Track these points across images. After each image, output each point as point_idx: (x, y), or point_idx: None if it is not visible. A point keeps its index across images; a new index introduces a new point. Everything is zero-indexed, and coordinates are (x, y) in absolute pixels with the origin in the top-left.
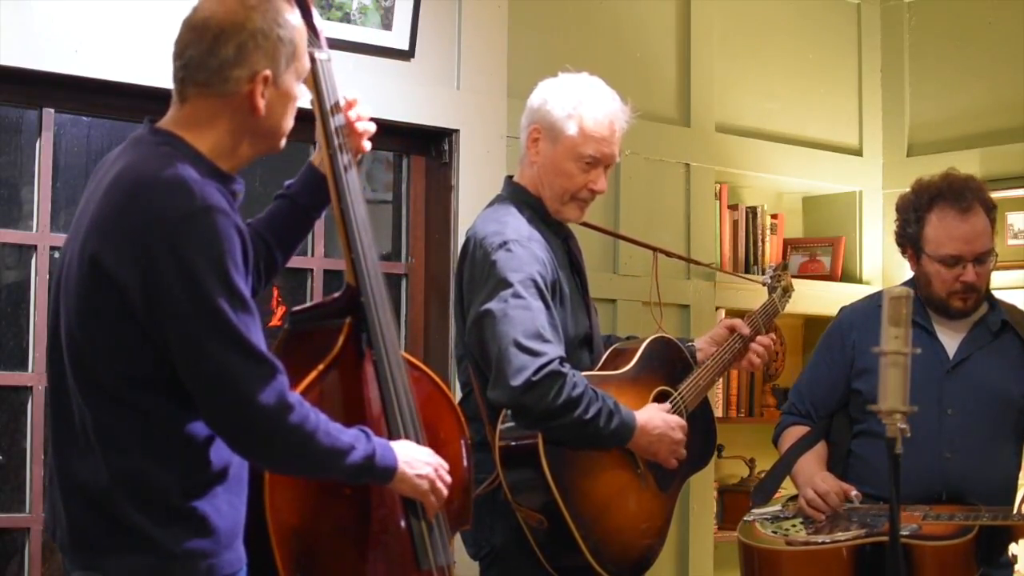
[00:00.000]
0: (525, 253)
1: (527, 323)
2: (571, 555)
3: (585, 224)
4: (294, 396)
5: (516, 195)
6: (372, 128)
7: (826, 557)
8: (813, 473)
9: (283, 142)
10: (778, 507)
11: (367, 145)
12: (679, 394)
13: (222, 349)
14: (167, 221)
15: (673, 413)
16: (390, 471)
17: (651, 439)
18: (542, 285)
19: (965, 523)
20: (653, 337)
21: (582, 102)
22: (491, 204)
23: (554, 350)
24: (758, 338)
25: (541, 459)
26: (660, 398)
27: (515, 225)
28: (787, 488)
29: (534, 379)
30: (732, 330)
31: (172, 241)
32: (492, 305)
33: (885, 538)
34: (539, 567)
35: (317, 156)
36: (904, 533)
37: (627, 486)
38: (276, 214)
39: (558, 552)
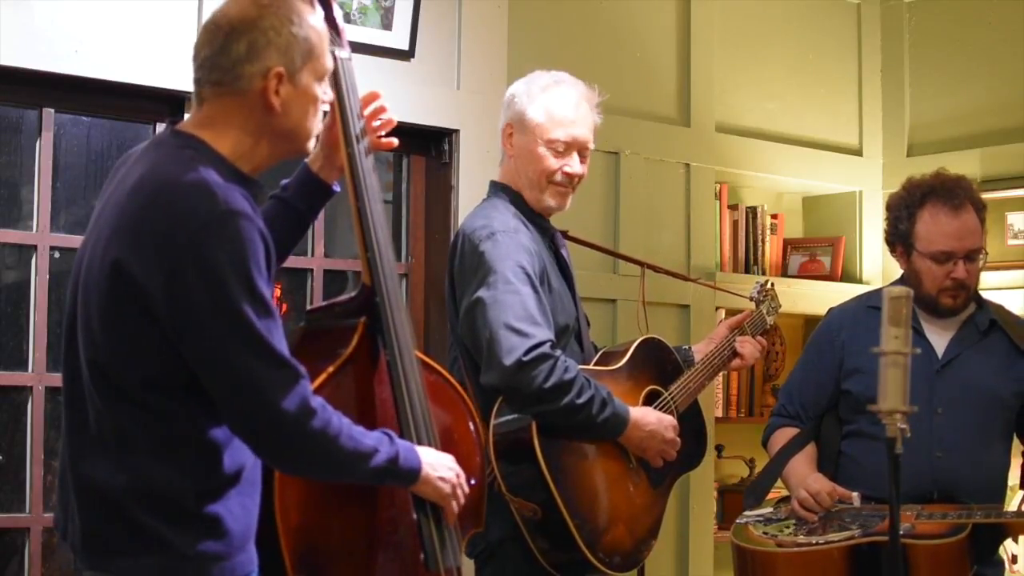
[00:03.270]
0: (512, 242)
1: (517, 307)
2: (565, 546)
3: (573, 239)
4: (317, 400)
5: (500, 193)
6: (393, 122)
7: (820, 558)
8: (805, 474)
9: (311, 144)
10: (770, 509)
11: (394, 141)
12: (669, 394)
13: (245, 354)
14: (191, 225)
15: (664, 413)
16: (415, 473)
17: (643, 435)
18: (530, 272)
19: (958, 521)
20: (643, 338)
21: (546, 89)
22: (479, 204)
23: (544, 333)
24: (747, 337)
25: (535, 449)
26: (650, 398)
27: (501, 218)
28: (780, 490)
29: (525, 359)
30: (731, 328)
31: (196, 245)
32: (482, 293)
33: (879, 538)
34: (534, 563)
35: (316, 158)
36: None
37: (620, 479)
38: (271, 216)
39: (552, 544)
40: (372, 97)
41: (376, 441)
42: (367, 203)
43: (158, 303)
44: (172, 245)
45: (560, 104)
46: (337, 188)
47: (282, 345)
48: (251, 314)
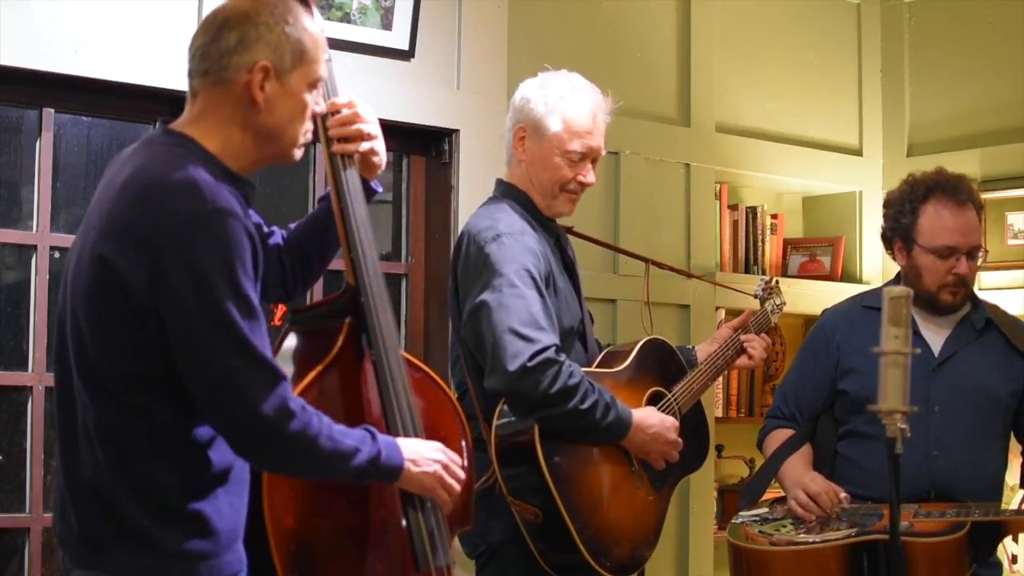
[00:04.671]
0: (518, 245)
1: (522, 311)
2: (566, 550)
3: (578, 235)
4: (296, 402)
5: (507, 193)
6: (370, 130)
7: (817, 557)
8: (801, 475)
9: (297, 152)
10: (765, 509)
11: (371, 147)
12: (673, 395)
13: (227, 354)
14: (177, 222)
15: (667, 414)
16: (396, 470)
17: (646, 438)
18: (536, 275)
19: (957, 520)
20: (647, 338)
21: (563, 97)
22: (484, 204)
23: (549, 338)
24: (753, 336)
25: (537, 452)
26: (654, 399)
27: (507, 220)
28: (774, 491)
29: (529, 364)
30: (734, 329)
31: (181, 242)
32: (487, 296)
33: (876, 536)
34: (535, 565)
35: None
36: None
37: (622, 483)
38: (314, 216)
39: (553, 547)
40: (347, 106)
41: (358, 440)
42: (349, 203)
43: (142, 300)
44: (158, 242)
45: (578, 114)
46: (379, 187)
47: (264, 346)
48: (235, 313)
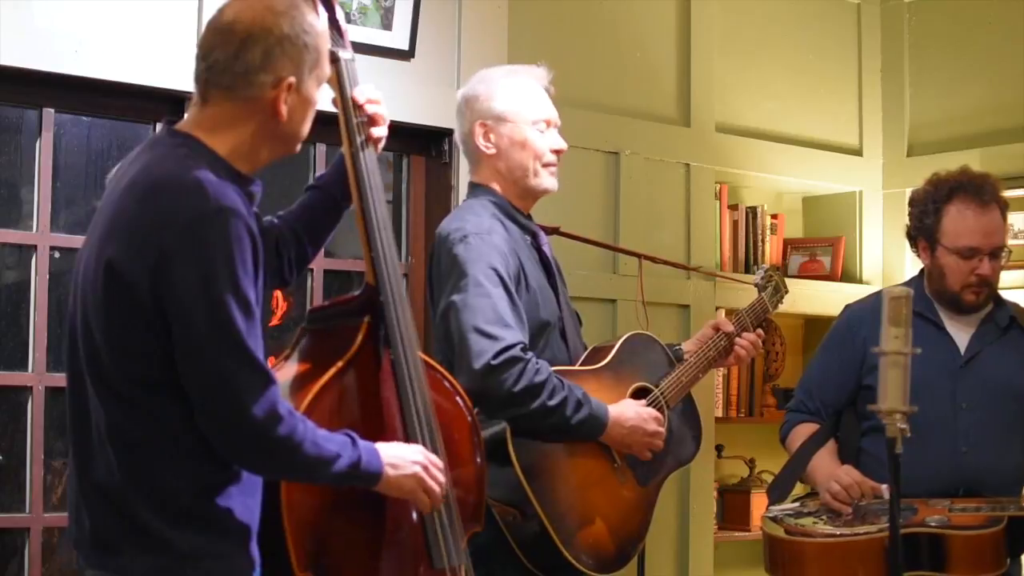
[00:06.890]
0: (484, 245)
1: (487, 310)
2: (546, 549)
3: (567, 234)
4: (284, 407)
5: (478, 194)
6: (384, 129)
7: (853, 549)
8: (833, 468)
9: (299, 146)
10: (797, 504)
11: (380, 134)
12: (659, 389)
13: (222, 353)
14: (179, 221)
15: (652, 408)
16: (376, 476)
17: (624, 431)
18: (503, 274)
19: (993, 514)
20: (630, 333)
21: (507, 75)
22: (457, 207)
23: (514, 336)
24: (744, 334)
25: (509, 452)
26: (639, 393)
27: (475, 220)
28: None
29: (493, 363)
30: (717, 329)
31: (183, 241)
32: (454, 297)
33: (912, 529)
34: (520, 566)
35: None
36: (933, 524)
37: (602, 480)
38: (307, 205)
39: (534, 546)
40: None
41: (339, 446)
42: (371, 202)
43: (148, 301)
44: (162, 241)
45: (527, 87)
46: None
47: (258, 348)
48: (233, 312)
